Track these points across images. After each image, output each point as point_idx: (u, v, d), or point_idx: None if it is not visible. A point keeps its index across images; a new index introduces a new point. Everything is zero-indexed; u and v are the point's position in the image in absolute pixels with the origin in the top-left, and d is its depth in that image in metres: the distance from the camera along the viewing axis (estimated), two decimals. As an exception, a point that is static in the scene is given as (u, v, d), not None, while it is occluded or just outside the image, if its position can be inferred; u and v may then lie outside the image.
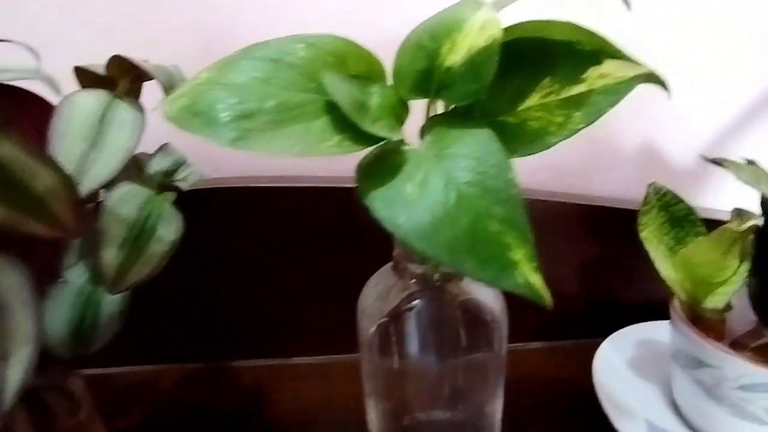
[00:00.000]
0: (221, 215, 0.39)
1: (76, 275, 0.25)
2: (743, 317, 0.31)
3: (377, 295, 0.28)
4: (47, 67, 0.27)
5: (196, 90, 0.19)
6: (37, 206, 0.19)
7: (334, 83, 0.19)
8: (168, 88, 0.26)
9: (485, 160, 0.20)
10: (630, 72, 0.22)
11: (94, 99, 0.25)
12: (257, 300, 0.42)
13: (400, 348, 0.27)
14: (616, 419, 0.33)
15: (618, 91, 0.22)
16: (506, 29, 0.23)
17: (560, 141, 0.22)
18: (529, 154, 0.22)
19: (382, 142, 0.21)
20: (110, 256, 0.22)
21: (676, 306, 0.32)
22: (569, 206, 0.39)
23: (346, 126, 0.20)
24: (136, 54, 0.26)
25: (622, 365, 0.38)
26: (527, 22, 0.23)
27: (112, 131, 0.25)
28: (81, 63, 0.27)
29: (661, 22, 0.38)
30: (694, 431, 0.32)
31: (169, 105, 0.19)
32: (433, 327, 0.28)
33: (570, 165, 0.41)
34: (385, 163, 0.20)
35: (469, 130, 0.21)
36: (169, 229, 0.23)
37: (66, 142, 0.24)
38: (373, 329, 0.27)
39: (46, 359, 0.21)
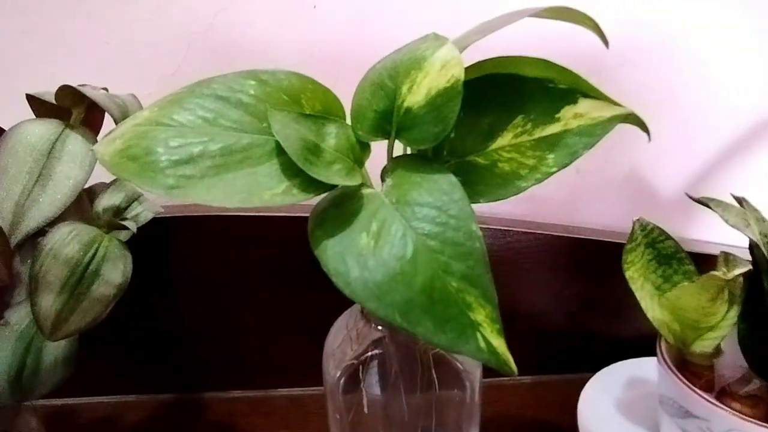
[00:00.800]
0: (193, 241, 0.38)
1: (18, 317, 0.23)
2: (733, 363, 0.29)
3: (344, 337, 0.26)
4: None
5: (134, 131, 0.18)
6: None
7: (281, 124, 0.18)
8: (120, 119, 0.24)
9: (447, 209, 0.18)
10: (607, 113, 0.21)
11: (44, 129, 0.24)
12: (231, 329, 0.40)
13: (367, 394, 0.26)
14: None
15: (594, 132, 0.21)
16: (477, 64, 0.22)
17: (532, 185, 0.21)
18: (499, 199, 0.21)
19: (338, 187, 0.20)
20: (48, 301, 0.20)
21: (663, 350, 0.30)
22: (553, 238, 0.38)
23: (298, 171, 0.18)
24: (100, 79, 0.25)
25: (609, 407, 0.36)
26: (498, 58, 0.21)
27: (60, 165, 0.23)
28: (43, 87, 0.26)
29: (646, 52, 0.37)
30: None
31: (104, 147, 0.18)
32: (402, 373, 0.26)
33: (554, 196, 0.39)
34: (341, 209, 0.19)
35: (432, 176, 0.19)
36: (115, 271, 0.22)
37: (7, 176, 0.22)
38: (338, 373, 0.25)
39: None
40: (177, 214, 0.37)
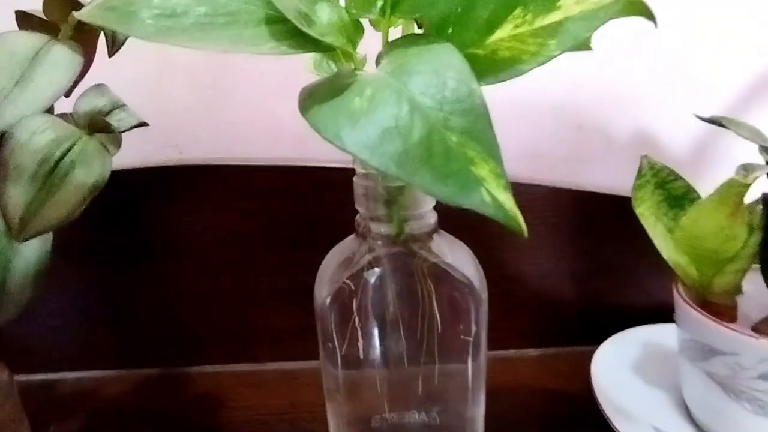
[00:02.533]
0: (175, 200, 0.36)
1: (-12, 230, 0.22)
2: (758, 302, 0.27)
3: (338, 262, 0.24)
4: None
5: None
6: None
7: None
8: (116, 36, 0.23)
9: (444, 72, 0.17)
10: (609, -3, 0.20)
11: (28, 38, 0.23)
12: (219, 299, 0.38)
13: (362, 322, 0.24)
14: (619, 426, 0.28)
15: (597, 16, 0.20)
16: (473, -47, 0.21)
17: (534, 68, 0.20)
18: (500, 81, 0.20)
19: (338, 62, 0.19)
20: (16, 192, 0.19)
21: (681, 290, 0.28)
22: (558, 192, 0.37)
23: (287, 35, 0.17)
24: None
25: (624, 368, 0.33)
26: (496, -55, 0.21)
27: (41, 71, 0.22)
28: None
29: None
30: (710, 439, 0.27)
31: (86, 8, 0.17)
32: (400, 297, 0.24)
33: (556, 153, 0.38)
34: (333, 84, 0.18)
35: (428, 46, 0.18)
36: (90, 169, 0.20)
37: (-14, 77, 0.21)
38: (329, 294, 0.23)
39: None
40: (152, 165, 0.36)
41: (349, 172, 0.31)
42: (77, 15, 0.17)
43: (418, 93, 0.17)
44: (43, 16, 0.25)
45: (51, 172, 0.20)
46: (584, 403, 0.32)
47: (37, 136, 0.19)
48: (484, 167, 0.16)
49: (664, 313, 0.31)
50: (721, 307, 0.27)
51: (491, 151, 0.16)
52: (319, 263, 0.25)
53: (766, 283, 0.26)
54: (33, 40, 0.23)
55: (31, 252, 0.22)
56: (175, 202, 0.36)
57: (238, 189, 0.36)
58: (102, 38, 0.26)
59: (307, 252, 0.36)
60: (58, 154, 0.20)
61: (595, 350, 0.35)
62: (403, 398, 0.26)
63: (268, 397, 0.36)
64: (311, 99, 0.17)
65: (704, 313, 0.26)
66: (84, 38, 0.26)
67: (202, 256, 0.37)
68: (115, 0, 0.17)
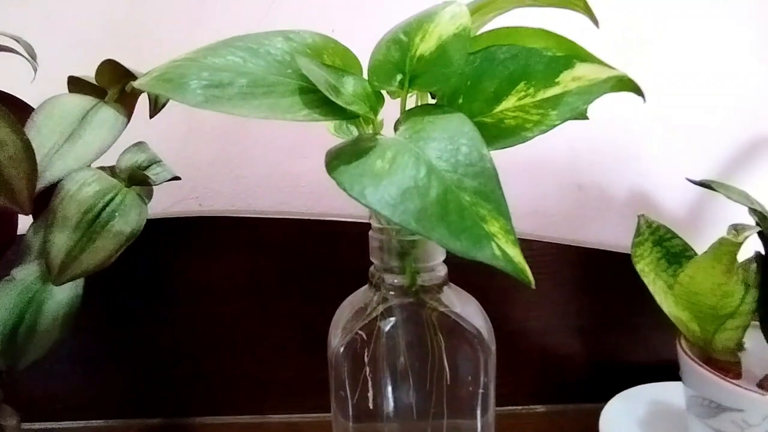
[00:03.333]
0: (191, 250, 0.38)
1: (24, 273, 0.23)
2: (760, 358, 0.28)
3: (351, 312, 0.25)
4: (44, 79, 0.28)
5: (170, 65, 0.20)
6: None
7: (308, 65, 0.20)
8: (158, 100, 0.26)
9: (457, 139, 0.19)
10: (603, 74, 0.22)
11: (78, 100, 0.26)
12: (228, 349, 0.39)
13: (373, 372, 0.24)
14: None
15: (592, 91, 0.22)
16: (481, 35, 0.24)
17: (537, 135, 0.22)
18: (507, 147, 0.22)
19: (359, 127, 0.21)
20: (61, 238, 0.20)
21: (684, 346, 0.29)
22: (561, 248, 0.38)
23: (318, 104, 0.20)
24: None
25: (632, 427, 0.33)
26: (501, 29, 0.24)
27: (89, 129, 0.25)
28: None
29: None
30: (723, 502, 0.27)
31: (144, 78, 0.19)
32: (411, 348, 0.25)
33: (558, 211, 0.40)
34: (356, 146, 0.20)
35: (442, 115, 0.20)
36: (128, 219, 0.22)
37: (40, 134, 0.24)
38: (343, 345, 0.24)
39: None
40: (171, 215, 0.38)
41: (358, 226, 0.32)
42: (136, 84, 0.19)
43: (434, 157, 0.19)
44: (92, 81, 0.28)
45: (93, 221, 0.21)
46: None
47: (85, 188, 0.21)
48: (494, 224, 0.17)
49: (671, 370, 0.31)
50: (724, 363, 0.28)
51: (501, 209, 0.18)
52: (330, 314, 0.26)
53: (766, 339, 0.27)
54: (83, 102, 0.26)
55: (63, 295, 0.23)
56: (191, 252, 0.38)
57: (252, 240, 0.38)
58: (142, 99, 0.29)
59: (318, 303, 0.37)
60: (101, 204, 0.22)
61: (602, 408, 0.34)
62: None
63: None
64: (337, 160, 0.19)
65: (708, 368, 0.26)
66: (127, 100, 0.28)
67: (214, 305, 0.38)
68: (170, 72, 0.19)
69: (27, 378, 0.38)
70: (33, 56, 0.27)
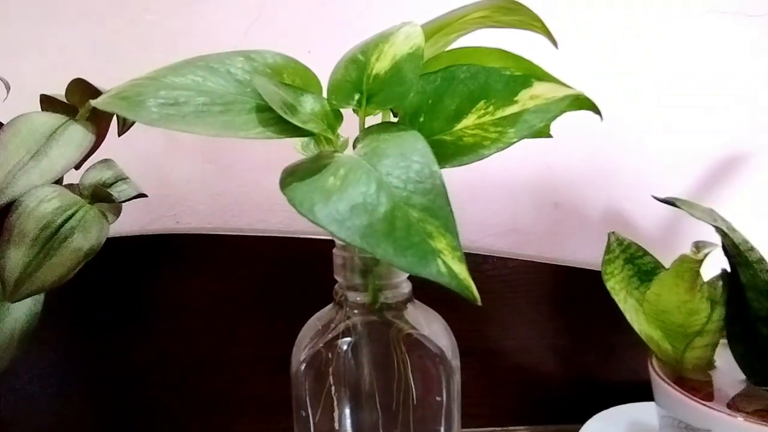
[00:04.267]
0: (168, 268, 0.38)
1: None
2: (731, 378, 0.28)
3: (315, 330, 0.25)
4: (16, 97, 0.28)
5: (129, 84, 0.20)
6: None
7: (263, 83, 0.20)
8: (128, 120, 0.26)
9: (410, 156, 0.19)
10: (560, 93, 0.23)
11: (48, 118, 0.26)
12: (204, 369, 0.38)
13: (336, 390, 0.24)
14: None
15: (549, 110, 0.22)
16: (442, 55, 0.25)
17: (494, 153, 0.22)
18: (464, 164, 0.22)
19: (320, 145, 0.21)
20: (16, 255, 0.20)
21: (655, 366, 0.28)
22: (537, 266, 0.38)
23: (274, 123, 0.20)
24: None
25: (608, 448, 0.33)
26: (461, 49, 0.24)
27: (56, 146, 0.25)
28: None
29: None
30: None
31: (102, 96, 0.20)
32: (375, 366, 0.24)
33: (535, 229, 0.40)
34: (313, 164, 0.20)
35: (397, 133, 0.21)
36: (87, 235, 0.22)
37: (6, 151, 0.24)
38: (305, 362, 0.24)
39: None
40: (148, 233, 0.37)
41: (325, 243, 0.32)
42: (93, 103, 0.19)
43: (385, 173, 0.19)
44: (64, 100, 0.28)
45: (51, 237, 0.21)
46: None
47: (44, 204, 0.21)
48: (441, 240, 0.17)
49: (648, 389, 0.31)
50: (695, 382, 0.28)
51: (448, 226, 0.18)
52: (291, 335, 0.26)
53: (734, 357, 0.27)
54: (52, 119, 0.26)
55: (21, 312, 0.23)
56: (168, 269, 0.37)
57: (230, 258, 0.38)
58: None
59: (295, 321, 0.37)
60: (59, 220, 0.22)
61: (579, 429, 0.34)
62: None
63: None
64: (291, 177, 0.19)
65: (678, 389, 0.26)
66: (99, 119, 0.29)
67: (191, 323, 0.38)
68: (127, 90, 0.19)
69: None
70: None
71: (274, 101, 0.19)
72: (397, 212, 0.18)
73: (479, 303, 0.17)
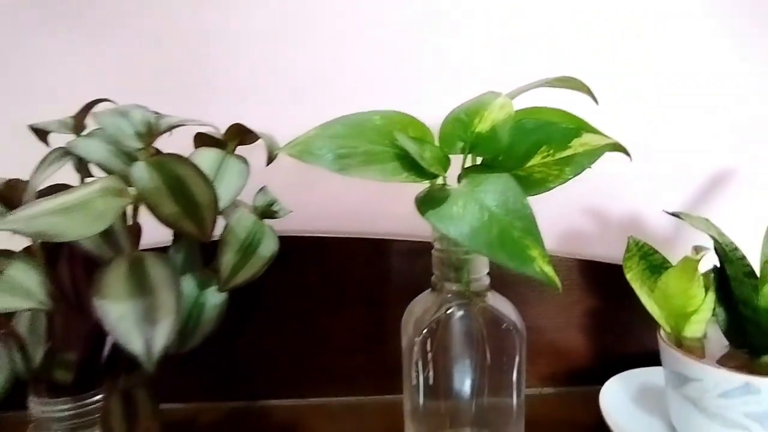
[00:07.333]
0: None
1: (189, 288, 0.32)
2: (719, 344, 0.38)
3: (421, 311, 0.34)
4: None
5: (307, 139, 0.29)
6: (194, 211, 0.27)
7: (405, 140, 0.29)
8: (269, 146, 0.35)
9: (506, 192, 0.28)
10: (602, 142, 0.32)
11: (213, 154, 0.35)
12: (294, 344, 0.47)
13: (437, 358, 0.33)
14: (623, 442, 0.37)
15: (595, 153, 0.32)
16: (516, 112, 0.34)
17: (557, 186, 0.31)
18: (535, 195, 0.31)
19: (432, 181, 0.30)
20: (228, 258, 0.29)
21: (663, 336, 0.38)
22: (566, 261, 0.47)
23: (409, 167, 0.29)
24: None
25: (625, 400, 0.42)
26: (529, 108, 0.33)
27: (227, 176, 0.34)
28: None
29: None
30: (691, 451, 0.36)
31: (290, 148, 0.28)
32: (465, 339, 0.34)
33: (567, 232, 0.49)
34: (435, 196, 0.29)
35: (493, 175, 0.30)
36: (268, 245, 0.31)
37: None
38: (417, 336, 0.33)
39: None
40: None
41: (410, 244, 0.41)
42: (283, 150, 0.28)
43: (492, 205, 0.28)
44: (212, 135, 0.37)
45: (248, 247, 0.30)
46: (594, 427, 0.40)
47: (242, 222, 0.30)
48: (534, 250, 0.26)
49: (655, 358, 0.40)
50: (692, 347, 0.37)
51: (538, 240, 0.27)
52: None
53: (720, 329, 0.36)
54: (216, 154, 0.35)
55: (217, 300, 0.32)
56: (284, 265, 0.46)
57: (315, 257, 0.46)
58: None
59: (376, 308, 0.46)
60: (254, 234, 0.30)
61: (599, 389, 0.44)
62: (460, 419, 0.35)
63: (339, 426, 0.44)
64: (425, 206, 0.28)
65: (679, 350, 0.36)
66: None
67: (296, 305, 0.46)
68: (311, 146, 0.28)
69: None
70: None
71: (414, 152, 0.28)
72: (504, 233, 0.27)
73: (560, 290, 0.26)
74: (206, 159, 0.34)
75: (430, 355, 0.34)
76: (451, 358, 0.34)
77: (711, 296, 0.36)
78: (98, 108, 0.35)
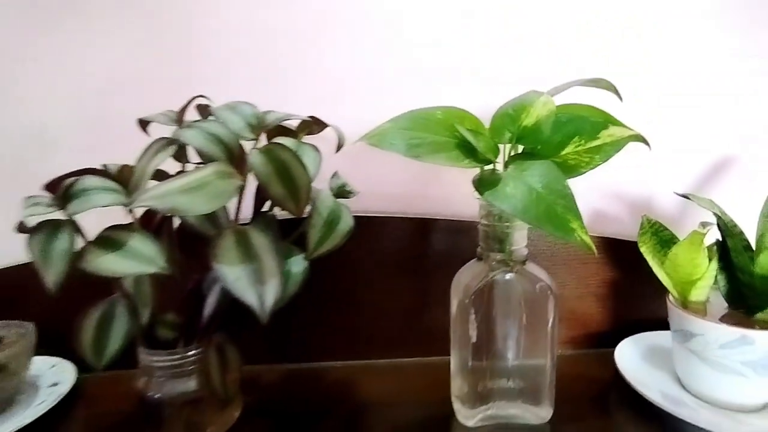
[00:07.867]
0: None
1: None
2: (720, 307, 0.44)
3: (469, 277, 0.40)
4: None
5: (383, 130, 0.34)
6: (295, 192, 0.33)
7: (465, 132, 0.35)
8: (340, 136, 0.41)
9: (548, 176, 0.34)
10: (626, 133, 0.38)
11: (290, 143, 0.40)
12: (345, 312, 0.53)
13: (483, 318, 0.40)
14: (640, 388, 0.44)
15: (620, 143, 0.38)
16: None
17: (588, 171, 0.37)
18: (570, 178, 0.37)
19: (485, 167, 0.36)
20: (314, 233, 0.35)
21: (671, 300, 0.44)
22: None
23: (467, 154, 0.35)
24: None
25: (637, 357, 0.49)
26: (564, 105, 0.39)
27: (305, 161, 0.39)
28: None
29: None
30: (692, 394, 0.43)
31: (370, 138, 0.34)
32: (507, 301, 0.40)
33: (587, 213, 0.55)
34: (488, 179, 0.35)
35: (537, 161, 0.35)
36: (346, 220, 0.36)
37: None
38: (466, 299, 0.39)
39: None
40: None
41: (446, 223, 0.46)
42: (363, 139, 0.34)
43: (538, 186, 0.34)
44: (283, 126, 0.42)
45: (330, 223, 0.36)
46: (610, 383, 0.47)
47: (327, 201, 0.36)
48: (575, 223, 0.32)
49: (663, 323, 0.46)
50: (697, 309, 0.44)
51: (578, 215, 0.33)
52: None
53: (721, 294, 0.43)
54: (292, 143, 0.40)
55: (299, 268, 0.38)
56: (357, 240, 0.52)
57: (362, 233, 0.52)
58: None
59: (418, 279, 0.51)
60: (332, 213, 0.36)
61: (612, 352, 0.50)
62: (499, 373, 0.41)
63: (381, 384, 0.50)
64: (482, 187, 0.34)
65: (685, 310, 0.42)
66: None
67: (347, 277, 0.52)
68: (388, 136, 0.34)
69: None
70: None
71: (474, 142, 0.34)
72: (549, 208, 0.33)
73: (596, 255, 0.32)
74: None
75: (477, 316, 0.40)
76: (494, 318, 0.40)
77: (714, 265, 0.42)
78: (195, 102, 0.40)
